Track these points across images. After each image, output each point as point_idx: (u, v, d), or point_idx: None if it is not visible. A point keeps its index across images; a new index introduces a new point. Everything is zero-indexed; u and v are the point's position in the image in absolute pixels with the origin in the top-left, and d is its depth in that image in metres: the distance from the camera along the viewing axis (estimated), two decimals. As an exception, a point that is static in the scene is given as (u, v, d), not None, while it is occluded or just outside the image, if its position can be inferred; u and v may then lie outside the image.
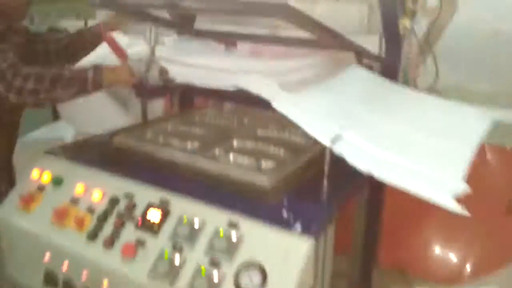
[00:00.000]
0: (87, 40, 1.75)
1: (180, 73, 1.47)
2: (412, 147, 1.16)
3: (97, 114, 2.58)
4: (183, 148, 1.63)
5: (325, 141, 1.14)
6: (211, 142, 1.67)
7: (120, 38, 2.70)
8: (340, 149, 1.14)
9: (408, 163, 1.07)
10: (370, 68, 1.90)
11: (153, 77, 1.38)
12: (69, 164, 1.60)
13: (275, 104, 1.22)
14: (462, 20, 2.67)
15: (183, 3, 1.16)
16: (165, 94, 1.43)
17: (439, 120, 1.36)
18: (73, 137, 2.47)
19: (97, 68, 1.44)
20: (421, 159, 1.09)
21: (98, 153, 1.68)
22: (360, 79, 1.60)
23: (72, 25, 3.93)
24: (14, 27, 1.58)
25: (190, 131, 1.82)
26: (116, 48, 1.35)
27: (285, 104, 1.22)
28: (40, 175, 1.58)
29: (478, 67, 3.04)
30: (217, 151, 1.61)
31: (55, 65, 1.70)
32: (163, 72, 1.42)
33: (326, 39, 1.56)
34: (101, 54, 1.61)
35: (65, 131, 2.89)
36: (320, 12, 1.79)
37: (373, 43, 1.84)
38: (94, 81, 1.43)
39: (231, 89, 1.33)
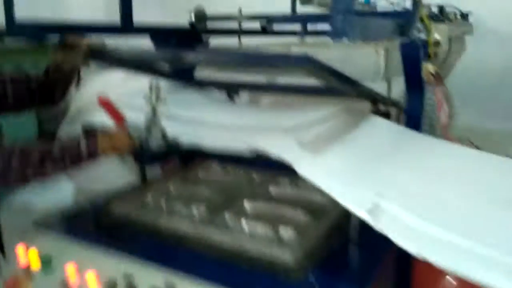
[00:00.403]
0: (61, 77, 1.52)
1: (185, 133, 1.30)
2: (472, 221, 0.98)
3: (99, 169, 2.39)
4: (188, 215, 1.45)
5: (362, 214, 0.97)
6: (219, 205, 1.49)
7: (115, 74, 2.54)
8: (381, 225, 0.96)
9: (473, 245, 0.88)
10: (387, 115, 1.76)
11: (155, 141, 1.21)
12: (59, 239, 1.41)
13: (299, 169, 1.05)
14: (471, 58, 2.58)
15: (199, 56, 1.03)
16: (168, 158, 1.26)
17: (494, 181, 1.16)
18: (73, 195, 2.28)
19: (91, 138, 1.25)
20: (489, 238, 0.91)
21: (93, 224, 1.48)
22: (383, 132, 1.45)
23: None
24: None
25: (195, 192, 1.64)
26: (113, 112, 1.18)
27: (309, 168, 1.06)
28: (26, 252, 1.38)
29: (491, 105, 2.94)
30: (227, 216, 1.43)
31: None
32: (166, 135, 1.25)
33: (343, 88, 1.41)
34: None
35: (65, 188, 2.67)
36: (331, 56, 1.66)
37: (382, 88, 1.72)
38: (88, 153, 1.24)
39: (247, 152, 1.17)
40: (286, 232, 1.30)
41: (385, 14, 1.64)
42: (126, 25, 1.81)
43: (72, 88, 1.68)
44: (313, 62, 1.05)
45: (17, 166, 1.17)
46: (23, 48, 2.93)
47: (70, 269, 1.28)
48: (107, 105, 1.17)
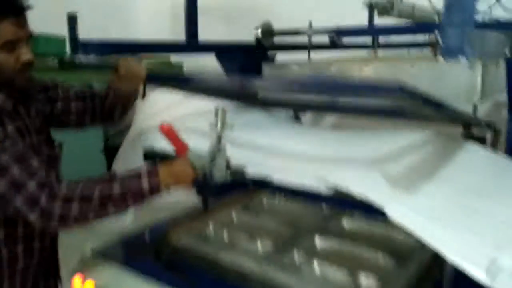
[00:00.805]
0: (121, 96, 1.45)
1: (253, 163, 1.15)
2: None
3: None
4: (252, 250, 1.31)
5: (479, 273, 0.77)
6: (287, 241, 1.34)
7: (172, 95, 2.49)
8: (498, 285, 0.76)
9: None
10: (482, 140, 1.53)
11: (220, 171, 1.08)
12: (117, 270, 1.32)
13: (390, 212, 0.88)
14: None
15: (275, 86, 0.90)
16: (233, 190, 1.13)
17: None
18: (132, 221, 2.23)
19: (152, 173, 1.13)
20: None
21: (152, 255, 1.38)
22: (483, 162, 1.23)
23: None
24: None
25: (259, 224, 1.50)
26: (175, 140, 1.08)
27: (402, 210, 0.88)
28: (83, 284, 1.31)
29: None
30: (296, 255, 1.27)
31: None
32: (231, 165, 1.12)
33: (433, 113, 1.22)
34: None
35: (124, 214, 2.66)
36: (416, 72, 1.46)
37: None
38: (150, 190, 1.13)
39: (323, 190, 1.00)
40: (367, 280, 1.12)
41: (498, 25, 1.42)
42: (192, 43, 1.73)
43: (134, 106, 1.64)
44: (407, 92, 0.87)
45: (76, 214, 1.09)
46: (92, 66, 2.99)
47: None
48: (170, 134, 1.07)
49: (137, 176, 1.14)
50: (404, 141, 1.23)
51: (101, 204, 1.11)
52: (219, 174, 1.08)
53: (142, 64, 1.44)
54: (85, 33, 1.51)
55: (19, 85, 1.21)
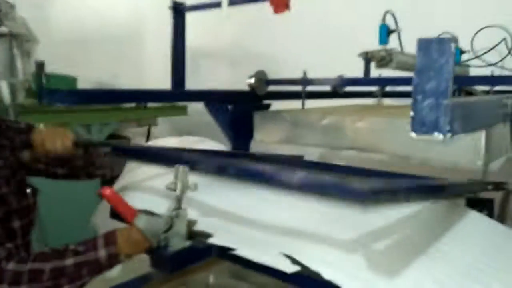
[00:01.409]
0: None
1: (216, 231, 1.01)
2: None
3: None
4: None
5: None
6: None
7: (173, 141, 2.39)
8: None
9: None
10: (489, 202, 1.39)
11: (177, 240, 0.96)
12: None
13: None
14: None
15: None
16: (196, 261, 1.00)
17: None
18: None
19: (109, 240, 1.01)
20: None
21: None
22: (484, 237, 1.07)
23: (134, 131, 3.86)
24: None
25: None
26: (121, 205, 0.96)
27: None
28: None
29: None
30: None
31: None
32: (193, 230, 0.99)
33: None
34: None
35: None
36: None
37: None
38: (108, 261, 1.02)
39: (289, 269, 0.85)
40: None
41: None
42: (178, 92, 1.66)
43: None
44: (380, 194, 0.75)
45: None
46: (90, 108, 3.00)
47: None
48: (113, 198, 0.96)
49: (93, 243, 1.03)
50: (395, 212, 1.08)
51: (53, 279, 1.00)
52: (177, 243, 0.95)
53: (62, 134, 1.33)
54: (96, 75, 1.46)
55: None
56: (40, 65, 1.19)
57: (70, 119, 2.88)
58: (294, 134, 1.62)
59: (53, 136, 1.29)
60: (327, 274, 0.81)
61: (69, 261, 1.00)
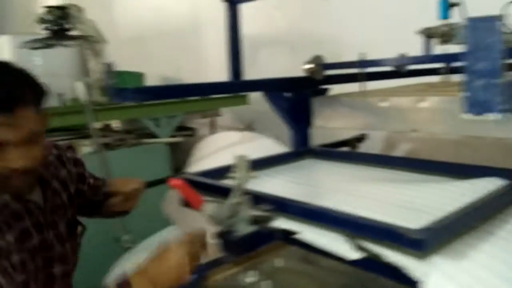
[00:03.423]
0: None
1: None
2: None
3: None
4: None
5: None
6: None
7: (233, 134, 2.44)
8: None
9: None
10: None
11: (243, 225, 1.02)
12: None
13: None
14: None
15: None
16: (261, 245, 1.05)
17: None
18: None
19: None
20: None
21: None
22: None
23: (199, 122, 4.01)
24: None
25: (309, 272, 1.39)
26: (189, 194, 1.03)
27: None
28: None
29: None
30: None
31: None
32: (257, 217, 1.04)
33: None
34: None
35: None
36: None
37: None
38: None
39: (354, 256, 0.87)
40: None
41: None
42: (236, 83, 1.71)
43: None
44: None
45: None
46: (158, 102, 3.15)
47: None
48: (182, 188, 1.03)
49: None
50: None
51: None
52: (242, 228, 1.01)
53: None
54: (160, 70, 1.55)
55: (17, 188, 1.02)
56: (109, 65, 1.29)
57: (139, 113, 3.06)
58: (354, 118, 1.62)
59: (127, 181, 1.36)
60: (392, 257, 0.82)
61: None
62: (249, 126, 3.62)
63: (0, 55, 5.46)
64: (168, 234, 2.70)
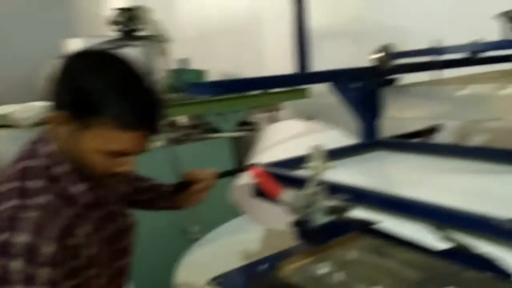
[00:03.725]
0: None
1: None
2: None
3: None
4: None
5: None
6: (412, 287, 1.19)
7: (296, 125, 2.45)
8: None
9: None
10: None
11: (319, 215, 1.02)
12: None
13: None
14: None
15: None
16: (338, 235, 1.05)
17: None
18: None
19: None
20: None
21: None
22: None
23: (261, 117, 4.05)
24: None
25: (384, 265, 1.37)
26: (268, 183, 1.04)
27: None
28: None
29: None
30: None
31: None
32: (334, 208, 1.03)
33: None
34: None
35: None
36: None
37: None
38: None
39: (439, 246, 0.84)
40: None
41: None
42: (303, 75, 1.71)
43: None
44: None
45: None
46: (222, 98, 3.23)
47: None
48: (261, 177, 1.05)
49: None
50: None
51: None
52: (319, 218, 1.01)
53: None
54: (221, 67, 1.59)
55: (101, 185, 1.06)
56: (183, 62, 1.34)
57: (205, 109, 3.15)
58: (428, 108, 1.56)
59: (202, 171, 1.36)
60: (483, 248, 0.79)
61: None
62: (310, 120, 3.61)
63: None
64: (236, 225, 2.77)
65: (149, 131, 0.96)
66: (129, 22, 3.44)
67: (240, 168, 1.42)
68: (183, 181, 1.34)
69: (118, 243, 1.16)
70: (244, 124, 3.75)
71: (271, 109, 3.87)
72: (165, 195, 1.42)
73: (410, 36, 2.28)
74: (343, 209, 1.05)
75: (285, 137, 1.90)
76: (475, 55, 1.77)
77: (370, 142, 1.68)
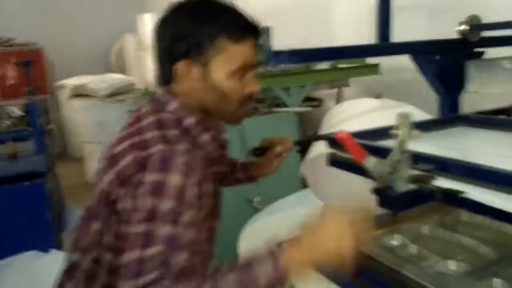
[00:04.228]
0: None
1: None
2: None
3: (346, 186, 2.34)
4: (443, 270, 1.18)
5: None
6: (489, 264, 1.16)
7: (369, 102, 2.41)
8: None
9: None
10: None
11: (402, 183, 1.01)
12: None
13: None
14: None
15: None
16: (418, 203, 1.04)
17: None
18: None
19: (276, 260, 0.87)
20: None
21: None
22: None
23: (326, 93, 4.00)
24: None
25: (459, 241, 1.34)
26: (353, 147, 1.04)
27: None
28: None
29: None
30: (494, 282, 1.10)
31: None
32: (416, 174, 1.02)
33: None
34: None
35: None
36: None
37: None
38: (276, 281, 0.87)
39: None
40: None
41: None
42: (385, 46, 1.67)
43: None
44: None
45: None
46: (289, 72, 3.23)
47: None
48: (347, 141, 1.05)
49: (258, 260, 0.88)
50: None
51: None
52: (401, 185, 1.01)
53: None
54: (289, 42, 1.61)
55: (233, 121, 1.12)
56: (267, 30, 1.35)
57: (272, 83, 3.17)
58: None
59: (279, 139, 1.38)
60: None
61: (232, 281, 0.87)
62: (377, 98, 3.52)
63: (143, 31, 6.10)
64: (299, 198, 2.81)
65: (255, 38, 1.03)
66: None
67: (316, 136, 1.43)
68: (261, 146, 1.38)
69: (218, 203, 1.20)
70: (310, 100, 3.73)
71: (338, 85, 3.81)
72: (242, 166, 1.45)
73: (488, 11, 2.15)
74: (427, 178, 1.04)
75: (359, 112, 1.88)
76: None
77: (452, 117, 1.62)
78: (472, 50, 1.72)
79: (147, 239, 0.87)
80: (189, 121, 1.03)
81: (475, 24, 1.71)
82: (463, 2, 2.85)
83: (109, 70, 7.05)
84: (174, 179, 0.90)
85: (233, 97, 1.03)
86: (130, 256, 0.87)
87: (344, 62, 3.57)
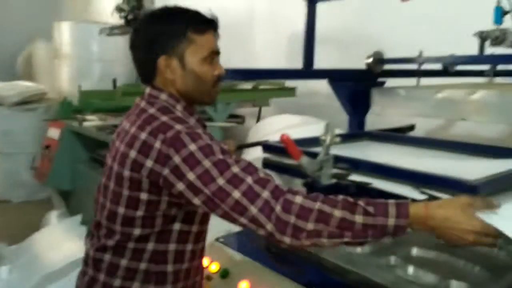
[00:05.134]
0: None
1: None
2: None
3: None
4: (353, 254, 1.48)
5: None
6: (386, 248, 1.48)
7: (290, 118, 2.72)
8: None
9: None
10: None
11: (326, 177, 1.30)
12: (237, 256, 1.59)
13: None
14: None
15: None
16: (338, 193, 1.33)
17: None
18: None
19: (401, 212, 0.96)
20: None
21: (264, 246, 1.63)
22: None
23: (248, 111, 4.30)
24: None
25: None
26: (292, 147, 1.31)
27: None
28: (209, 264, 1.60)
29: None
30: (392, 259, 1.42)
31: None
32: (337, 172, 1.32)
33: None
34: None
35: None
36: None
37: None
38: (395, 230, 0.96)
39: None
40: (458, 285, 1.22)
41: None
42: (308, 70, 1.98)
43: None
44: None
45: (311, 229, 0.98)
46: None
47: (244, 286, 1.43)
48: (288, 142, 1.30)
49: (384, 211, 0.96)
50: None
51: (340, 229, 0.97)
52: (326, 180, 1.29)
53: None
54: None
55: (209, 100, 1.29)
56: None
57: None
58: (408, 108, 1.86)
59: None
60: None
61: (359, 219, 0.96)
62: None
63: (60, 40, 5.90)
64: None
65: (215, 29, 1.24)
66: (135, 10, 3.63)
67: (255, 143, 1.67)
68: None
69: None
70: (234, 117, 3.99)
71: (259, 104, 4.13)
72: None
73: (393, 46, 2.59)
74: (344, 175, 1.34)
75: (283, 126, 2.16)
76: (451, 67, 2.09)
77: (359, 133, 1.98)
78: (376, 80, 2.11)
79: (233, 182, 1.03)
80: (178, 107, 1.22)
81: (378, 58, 2.10)
82: (369, 38, 3.34)
83: (15, 77, 6.60)
84: (206, 142, 1.08)
85: (207, 79, 1.22)
86: (229, 203, 1.02)
87: (265, 84, 3.92)
